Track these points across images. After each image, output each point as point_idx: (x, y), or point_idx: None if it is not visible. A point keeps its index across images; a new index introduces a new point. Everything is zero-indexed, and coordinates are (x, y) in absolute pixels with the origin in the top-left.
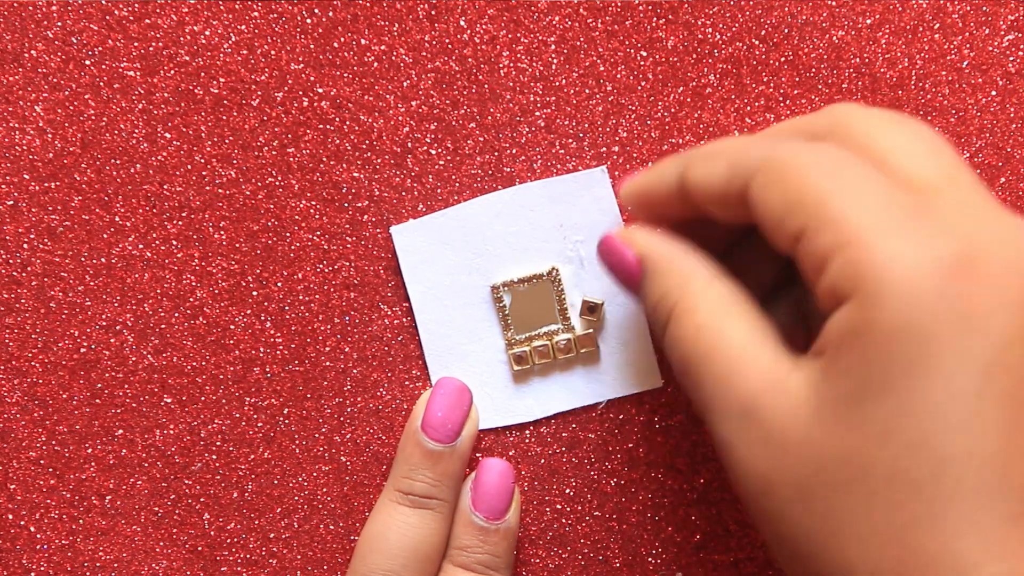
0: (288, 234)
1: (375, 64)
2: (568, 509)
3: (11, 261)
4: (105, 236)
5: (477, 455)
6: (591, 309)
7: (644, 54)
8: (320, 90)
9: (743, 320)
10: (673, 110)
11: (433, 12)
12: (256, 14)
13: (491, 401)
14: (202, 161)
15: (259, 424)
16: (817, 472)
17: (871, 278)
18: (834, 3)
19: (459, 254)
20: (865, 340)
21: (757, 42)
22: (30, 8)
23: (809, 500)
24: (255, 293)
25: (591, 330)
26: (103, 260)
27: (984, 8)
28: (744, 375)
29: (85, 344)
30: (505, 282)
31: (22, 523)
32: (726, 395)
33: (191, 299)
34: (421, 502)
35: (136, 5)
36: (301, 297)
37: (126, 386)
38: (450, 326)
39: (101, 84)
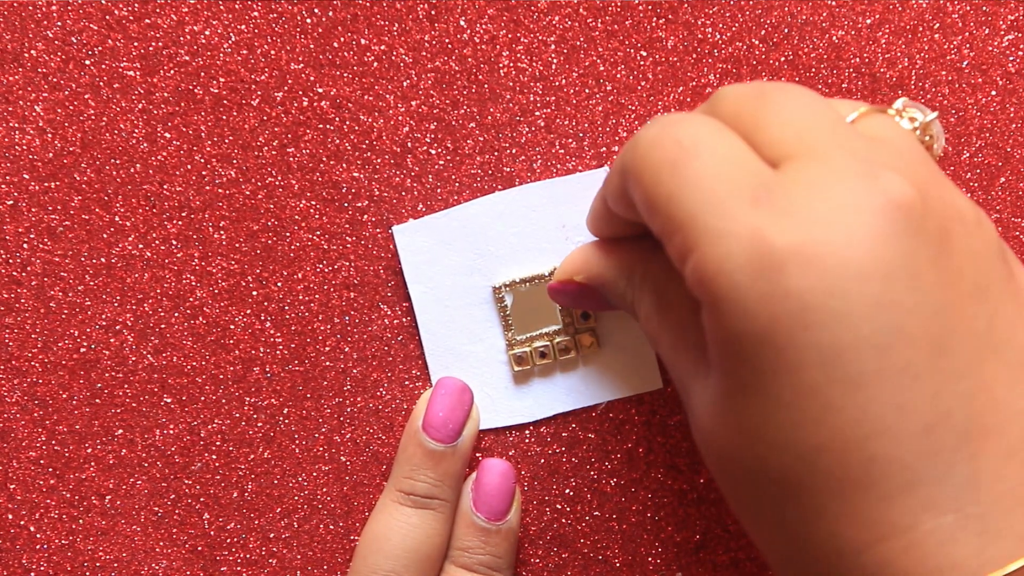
0: (288, 234)
1: (375, 64)
2: (568, 509)
3: (11, 261)
4: (105, 236)
5: (477, 455)
6: (585, 316)
7: (644, 54)
8: (320, 90)
9: (679, 305)
10: (673, 110)
11: (433, 12)
12: (256, 14)
13: (491, 401)
14: (202, 161)
15: (259, 424)
16: (721, 462)
17: (710, 287)
18: (834, 3)
19: (460, 254)
20: (721, 346)
21: (757, 42)
22: (30, 8)
23: (728, 486)
24: (255, 293)
25: (591, 331)
26: (103, 260)
27: (984, 8)
28: (682, 360)
29: (85, 344)
30: (506, 282)
31: (22, 523)
32: (673, 371)
33: (191, 299)
34: (423, 502)
35: (136, 5)
36: (301, 297)
37: (126, 386)
38: (451, 326)
39: (101, 84)
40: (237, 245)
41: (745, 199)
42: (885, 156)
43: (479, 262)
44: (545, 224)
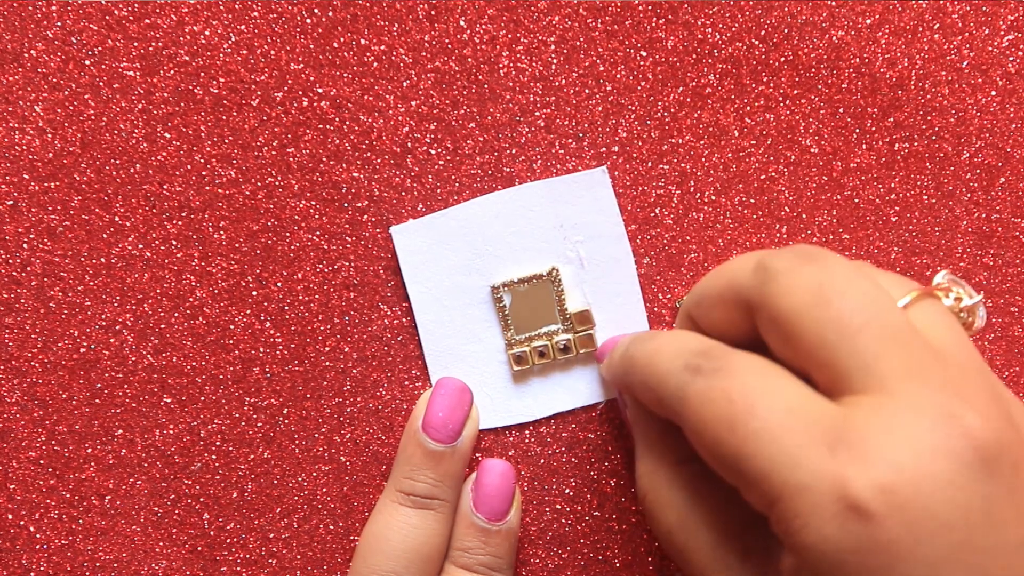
0: (288, 234)
1: (375, 64)
2: (568, 509)
3: (11, 261)
4: (105, 236)
5: (477, 455)
6: (581, 319)
7: (644, 54)
8: (320, 90)
9: (707, 527)
10: (673, 110)
11: (433, 12)
12: (256, 14)
13: (491, 401)
14: (202, 161)
15: (259, 424)
16: None
17: (798, 543)
18: (834, 3)
19: (459, 254)
20: None
21: (757, 42)
22: (30, 8)
23: None
24: (255, 293)
25: (591, 330)
26: (103, 260)
27: (984, 8)
28: (723, 556)
29: (85, 344)
30: (505, 282)
31: (22, 523)
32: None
33: (191, 299)
34: (422, 502)
35: (136, 5)
36: (301, 297)
37: (126, 386)
38: (450, 326)
39: (101, 84)
40: (237, 245)
41: (819, 447)
42: (951, 376)
43: (477, 262)
44: (543, 224)
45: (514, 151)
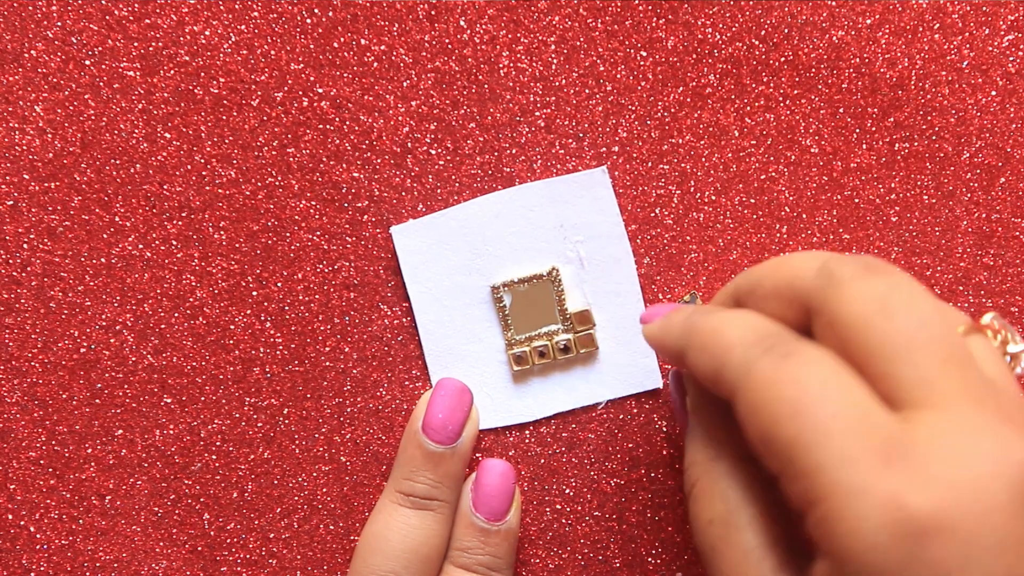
0: (288, 234)
1: (375, 64)
2: (568, 509)
3: (11, 261)
4: (105, 236)
5: (477, 455)
6: (581, 319)
7: (644, 54)
8: (320, 90)
9: (750, 527)
10: (673, 110)
11: (433, 12)
12: (256, 14)
13: (491, 401)
14: (202, 161)
15: (259, 424)
16: None
17: (841, 546)
18: (834, 3)
19: (459, 254)
20: None
21: (757, 42)
22: (30, 8)
23: None
24: (255, 293)
25: (591, 330)
26: (103, 260)
27: (984, 8)
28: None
29: (85, 344)
30: (505, 282)
31: (22, 523)
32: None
33: (191, 299)
34: (422, 503)
35: (136, 5)
36: (301, 297)
37: (126, 386)
38: (450, 326)
39: (101, 84)
40: (237, 245)
41: (877, 456)
42: (1005, 406)
43: (477, 262)
44: (543, 224)
45: (514, 151)
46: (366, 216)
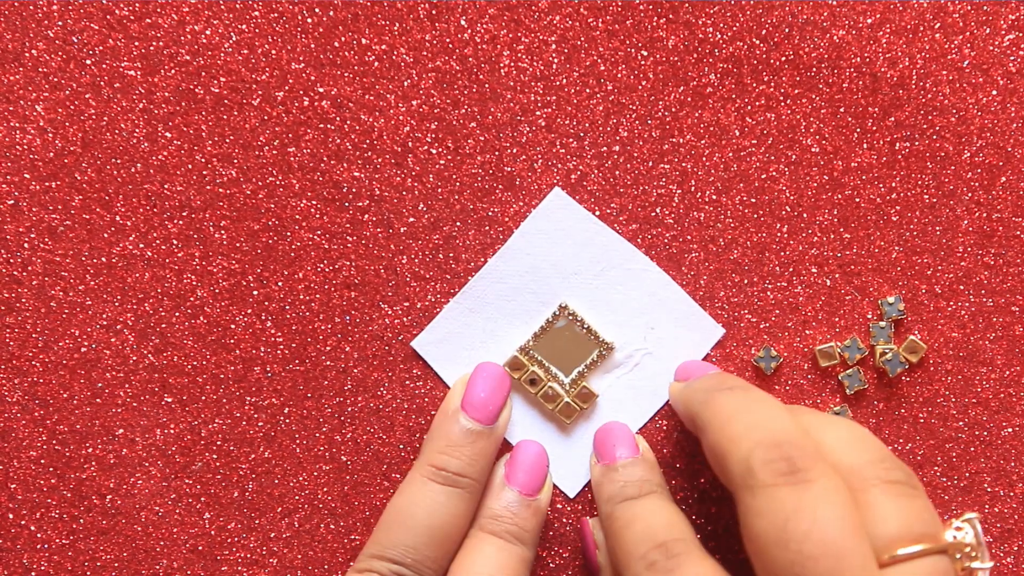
0: (288, 234)
1: (375, 64)
2: (568, 509)
3: (11, 261)
4: (105, 236)
5: None
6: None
7: (644, 54)
8: (320, 90)
9: None
10: (673, 110)
11: (433, 12)
12: (256, 14)
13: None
14: (202, 161)
15: (259, 423)
16: None
17: None
18: (835, 2)
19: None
20: None
21: (757, 42)
22: (30, 8)
23: None
24: (255, 293)
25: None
26: (104, 259)
27: (984, 8)
28: None
29: (85, 343)
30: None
31: (22, 523)
32: None
33: (191, 299)
34: (453, 479)
35: (136, 5)
36: (301, 297)
37: (127, 385)
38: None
39: (101, 84)
40: (238, 245)
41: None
42: None
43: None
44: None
45: (515, 151)
46: (367, 216)
